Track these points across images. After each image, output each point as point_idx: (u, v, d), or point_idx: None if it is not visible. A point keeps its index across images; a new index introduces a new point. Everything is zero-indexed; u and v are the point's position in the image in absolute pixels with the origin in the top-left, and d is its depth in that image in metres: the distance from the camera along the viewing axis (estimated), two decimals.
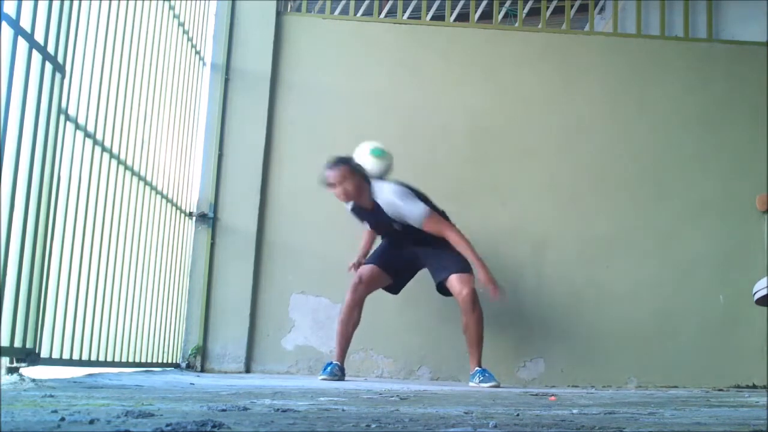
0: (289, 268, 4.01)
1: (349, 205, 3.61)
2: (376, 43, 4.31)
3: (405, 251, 3.58)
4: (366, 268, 3.56)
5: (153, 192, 3.36)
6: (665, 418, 1.60)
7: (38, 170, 2.25)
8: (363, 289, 3.55)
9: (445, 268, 3.47)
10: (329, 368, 3.43)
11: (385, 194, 3.44)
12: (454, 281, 3.43)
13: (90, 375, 2.61)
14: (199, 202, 4.00)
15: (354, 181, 3.44)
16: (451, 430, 1.23)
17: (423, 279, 4.05)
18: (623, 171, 4.23)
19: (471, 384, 3.41)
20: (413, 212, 3.41)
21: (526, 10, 5.03)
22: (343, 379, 3.42)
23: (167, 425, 1.14)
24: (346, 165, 3.46)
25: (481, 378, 3.35)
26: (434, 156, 4.15)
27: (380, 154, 3.55)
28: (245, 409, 1.52)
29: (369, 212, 3.53)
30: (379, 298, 3.99)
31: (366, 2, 5.12)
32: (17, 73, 2.11)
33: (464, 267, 3.45)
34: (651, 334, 4.05)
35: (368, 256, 3.70)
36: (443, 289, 3.54)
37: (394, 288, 3.69)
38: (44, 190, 2.30)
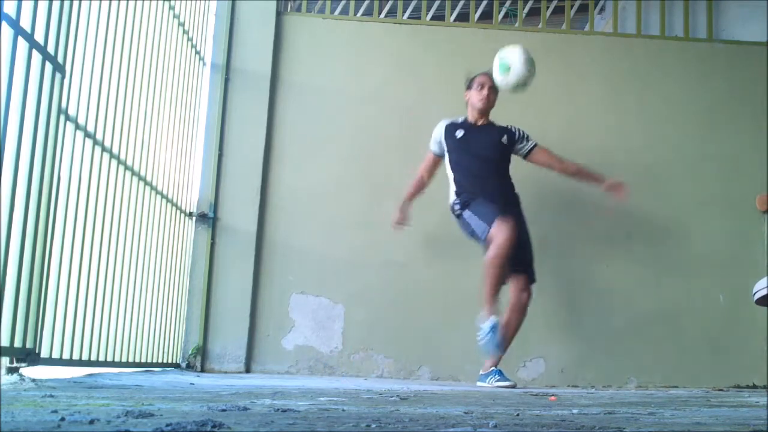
0: (289, 268, 4.01)
1: (444, 127, 3.67)
2: (376, 43, 4.31)
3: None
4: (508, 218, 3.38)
5: (153, 192, 3.35)
6: (665, 418, 1.60)
7: (38, 170, 2.25)
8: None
9: (526, 264, 3.55)
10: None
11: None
12: (523, 281, 3.52)
13: (90, 375, 2.61)
14: (199, 202, 4.00)
15: (495, 98, 3.67)
16: (451, 430, 1.23)
17: (422, 279, 4.05)
18: (623, 171, 4.21)
19: (480, 383, 3.42)
20: (529, 136, 3.68)
21: (526, 10, 5.03)
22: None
23: (167, 425, 1.14)
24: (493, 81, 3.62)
25: (499, 378, 3.37)
26: None
27: (505, 70, 3.50)
28: (245, 409, 1.52)
29: (476, 129, 3.64)
30: (379, 297, 3.99)
31: (366, 2, 5.12)
32: (17, 73, 2.11)
33: (533, 273, 3.58)
34: (651, 334, 4.05)
35: (489, 212, 3.42)
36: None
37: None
38: (44, 190, 2.29)
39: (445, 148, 3.68)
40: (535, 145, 3.69)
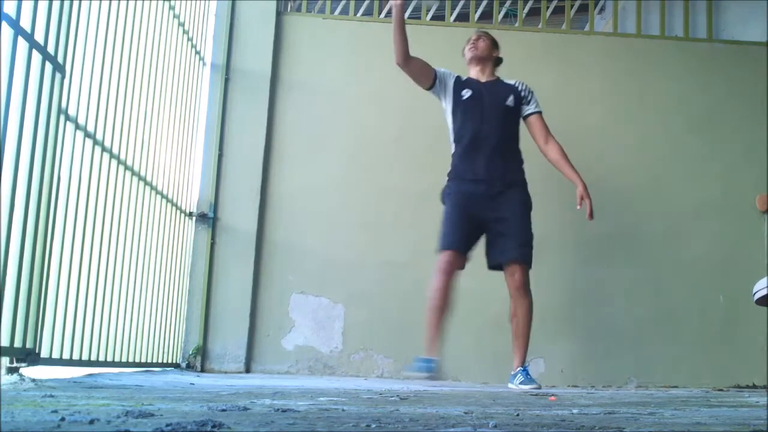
0: (289, 268, 4.01)
1: (454, 78, 3.50)
2: (376, 43, 4.30)
3: (478, 213, 3.33)
4: (453, 254, 3.26)
5: (153, 192, 3.36)
6: (665, 418, 1.60)
7: (38, 170, 2.25)
8: (453, 273, 3.27)
9: (510, 249, 3.29)
10: (426, 365, 3.11)
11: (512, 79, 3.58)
12: (514, 267, 3.28)
13: (90, 375, 2.61)
14: (199, 202, 4.00)
15: (490, 44, 3.56)
16: (451, 430, 1.23)
17: (423, 279, 4.04)
18: (623, 171, 4.23)
19: (511, 385, 3.23)
20: (537, 100, 3.54)
21: (526, 10, 5.03)
22: (440, 378, 3.20)
23: (167, 425, 1.14)
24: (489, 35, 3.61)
25: (523, 379, 3.19)
26: (434, 156, 4.14)
27: None
28: (245, 409, 1.52)
29: (482, 85, 3.48)
30: (379, 297, 3.99)
31: (366, 2, 5.12)
32: (17, 73, 2.11)
33: (525, 253, 3.31)
34: (651, 334, 4.05)
35: (445, 235, 3.30)
36: (494, 266, 3.38)
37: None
38: (44, 190, 2.29)
39: (451, 100, 3.46)
40: (533, 113, 3.51)
